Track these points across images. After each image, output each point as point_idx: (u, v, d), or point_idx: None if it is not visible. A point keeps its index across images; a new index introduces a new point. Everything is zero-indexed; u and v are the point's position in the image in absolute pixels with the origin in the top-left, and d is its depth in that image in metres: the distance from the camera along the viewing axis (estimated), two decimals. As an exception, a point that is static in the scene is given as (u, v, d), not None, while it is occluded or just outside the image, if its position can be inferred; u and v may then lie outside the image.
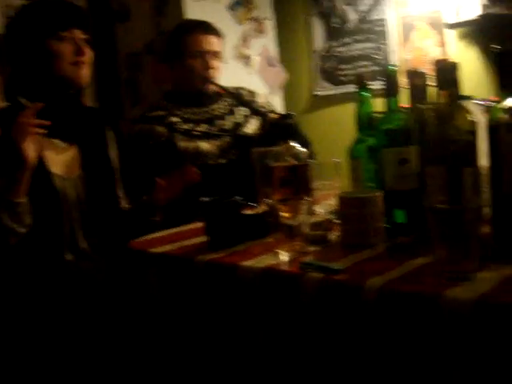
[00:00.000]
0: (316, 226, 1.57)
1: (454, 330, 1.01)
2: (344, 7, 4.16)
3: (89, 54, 1.98)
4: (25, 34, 1.92)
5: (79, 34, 1.94)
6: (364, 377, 1.16)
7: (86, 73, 1.97)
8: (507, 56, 1.30)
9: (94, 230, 1.96)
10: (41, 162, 1.83)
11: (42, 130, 1.74)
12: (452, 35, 3.68)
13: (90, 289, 1.90)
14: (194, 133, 2.44)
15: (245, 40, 4.26)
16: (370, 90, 1.63)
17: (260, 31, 4.37)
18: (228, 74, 3.61)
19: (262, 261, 1.39)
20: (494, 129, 1.25)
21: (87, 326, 1.86)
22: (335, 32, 4.24)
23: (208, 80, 2.48)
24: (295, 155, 1.68)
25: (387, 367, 1.12)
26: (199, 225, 1.73)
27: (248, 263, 1.38)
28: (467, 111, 1.48)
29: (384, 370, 1.13)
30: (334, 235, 1.53)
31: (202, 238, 1.64)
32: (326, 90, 4.32)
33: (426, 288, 1.09)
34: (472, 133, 1.40)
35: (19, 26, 1.94)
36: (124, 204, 2.12)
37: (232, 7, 4.17)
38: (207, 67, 2.48)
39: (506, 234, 1.23)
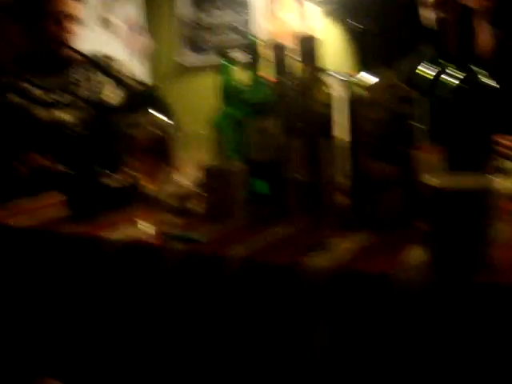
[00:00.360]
0: (179, 197, 1.56)
1: (313, 298, 1.05)
2: (209, -25, 4.14)
3: None
4: None
5: None
6: (228, 346, 1.18)
7: None
8: (366, 35, 1.35)
9: None
10: None
11: None
12: (317, 11, 3.78)
13: None
14: (50, 101, 2.33)
15: (108, 5, 4.14)
16: (234, 61, 1.63)
17: (124, -4, 4.26)
18: (90, 40, 3.50)
19: (125, 232, 1.37)
20: (351, 102, 1.30)
21: None
22: (200, 1, 4.21)
23: (64, 44, 2.37)
24: (158, 125, 1.66)
25: (250, 336, 1.15)
26: (59, 196, 1.68)
27: (110, 235, 1.36)
28: (325, 84, 1.52)
29: (247, 339, 1.15)
30: (197, 206, 1.53)
31: (63, 210, 1.59)
32: (191, 58, 4.30)
33: (286, 258, 1.12)
34: (331, 106, 1.45)
35: None
36: None
37: (95, -31, 4.03)
38: (62, 30, 2.36)
39: (363, 205, 1.28)
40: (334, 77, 1.63)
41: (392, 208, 1.23)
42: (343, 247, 1.14)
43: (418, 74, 1.58)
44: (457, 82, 1.23)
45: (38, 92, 2.34)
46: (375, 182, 1.22)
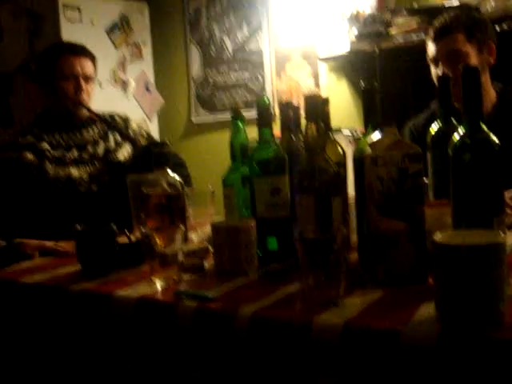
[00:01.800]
0: (191, 254, 1.57)
1: (322, 354, 1.05)
2: (222, 36, 4.24)
3: None
4: None
5: None
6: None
7: None
8: (370, 92, 1.38)
9: None
10: None
11: None
12: (323, 68, 3.85)
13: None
14: (65, 159, 2.37)
15: (122, 64, 4.24)
16: (244, 120, 1.66)
17: (138, 56, 4.36)
18: (104, 98, 3.58)
19: (137, 290, 1.38)
20: (359, 160, 1.31)
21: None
22: (212, 60, 4.31)
23: (79, 103, 2.43)
24: (170, 183, 1.68)
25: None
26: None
27: (122, 292, 1.36)
28: (336, 143, 1.55)
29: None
30: (208, 263, 1.54)
31: (75, 267, 1.60)
32: (203, 116, 4.37)
33: (296, 314, 1.13)
34: (340, 164, 1.47)
35: None
36: None
37: (109, 31, 4.14)
38: (78, 90, 2.42)
39: (373, 261, 1.29)
40: (343, 133, 1.66)
41: (402, 264, 1.23)
42: (353, 303, 1.14)
43: (429, 131, 1.60)
44: (467, 140, 1.24)
45: (55, 152, 2.38)
46: (385, 239, 1.23)
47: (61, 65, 2.41)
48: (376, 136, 1.29)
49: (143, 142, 2.39)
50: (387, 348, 0.98)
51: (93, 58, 2.49)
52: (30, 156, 2.33)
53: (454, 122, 1.55)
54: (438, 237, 1.01)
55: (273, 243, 1.50)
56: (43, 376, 1.52)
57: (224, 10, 4.21)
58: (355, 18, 3.48)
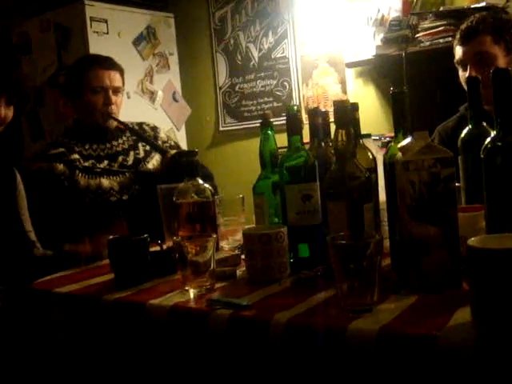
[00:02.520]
0: (223, 261, 1.58)
1: (357, 360, 1.04)
2: (247, 45, 4.25)
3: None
4: None
5: None
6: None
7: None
8: (400, 97, 1.37)
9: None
10: None
11: None
12: (350, 74, 3.84)
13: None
14: (95, 170, 2.40)
15: (149, 75, 4.27)
16: (273, 129, 1.66)
17: (164, 66, 4.39)
18: (132, 109, 3.61)
19: (170, 298, 1.38)
20: (390, 165, 1.31)
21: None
22: (238, 68, 4.32)
23: (109, 115, 2.45)
24: (201, 192, 1.69)
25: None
26: (105, 262, 1.71)
27: (155, 301, 1.37)
28: (366, 149, 1.54)
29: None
30: (240, 271, 1.55)
31: (109, 276, 1.62)
32: (230, 125, 4.38)
33: (330, 321, 1.12)
34: (370, 169, 1.47)
35: None
36: (38, 247, 2.08)
37: (136, 42, 4.18)
38: (108, 103, 2.44)
39: (404, 266, 1.28)
40: (372, 139, 1.66)
41: (435, 269, 1.22)
42: (387, 309, 1.13)
43: (459, 134, 1.58)
44: (499, 142, 1.22)
45: (85, 162, 2.40)
46: (417, 244, 1.22)
47: (89, 78, 2.43)
48: (406, 141, 1.29)
49: (171, 151, 2.40)
50: (423, 353, 0.98)
51: (121, 71, 2.51)
52: (60, 167, 2.36)
53: (485, 125, 1.53)
54: (473, 241, 1.00)
55: (304, 250, 1.50)
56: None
57: (249, 19, 4.23)
58: (380, 23, 3.47)
